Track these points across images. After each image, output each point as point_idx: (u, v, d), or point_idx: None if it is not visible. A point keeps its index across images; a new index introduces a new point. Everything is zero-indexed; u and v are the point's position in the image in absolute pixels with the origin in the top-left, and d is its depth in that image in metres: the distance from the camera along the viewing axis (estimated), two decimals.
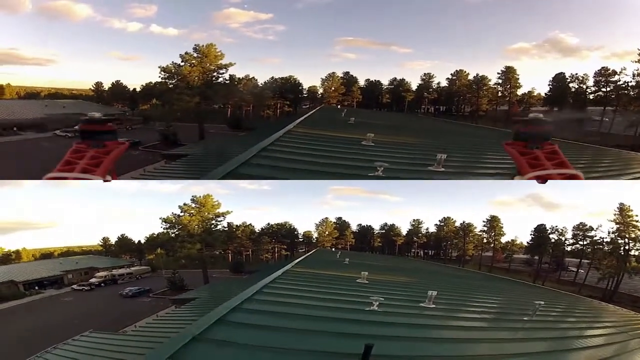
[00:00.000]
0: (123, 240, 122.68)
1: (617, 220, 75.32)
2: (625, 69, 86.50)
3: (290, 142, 18.70)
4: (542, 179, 6.96)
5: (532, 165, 7.13)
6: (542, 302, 20.45)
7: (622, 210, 74.75)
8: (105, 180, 7.33)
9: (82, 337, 30.91)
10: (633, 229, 73.85)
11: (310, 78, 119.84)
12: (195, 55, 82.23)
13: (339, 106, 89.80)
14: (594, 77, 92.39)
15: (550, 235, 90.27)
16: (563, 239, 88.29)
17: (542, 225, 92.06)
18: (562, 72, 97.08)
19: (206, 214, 76.39)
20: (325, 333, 12.19)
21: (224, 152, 46.65)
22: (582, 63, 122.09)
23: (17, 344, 43.44)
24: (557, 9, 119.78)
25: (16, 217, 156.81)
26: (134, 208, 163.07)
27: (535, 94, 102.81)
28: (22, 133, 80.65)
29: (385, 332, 12.92)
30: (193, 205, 75.73)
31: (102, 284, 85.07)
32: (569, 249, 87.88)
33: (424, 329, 14.80)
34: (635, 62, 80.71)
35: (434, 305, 17.09)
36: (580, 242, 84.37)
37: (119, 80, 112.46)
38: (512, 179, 8.50)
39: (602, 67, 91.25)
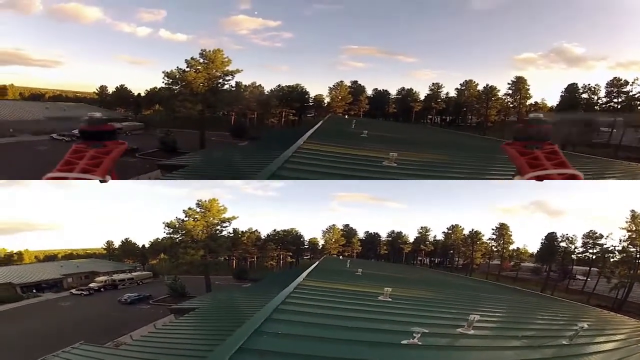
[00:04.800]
0: (127, 245, 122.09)
1: (629, 228, 73.78)
2: (638, 79, 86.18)
3: (303, 162, 16.87)
4: (542, 179, 6.67)
5: (532, 165, 6.82)
6: (586, 325, 18.88)
7: (634, 217, 73.14)
8: (102, 181, 7.00)
9: (72, 349, 29.33)
10: None
11: (315, 86, 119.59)
12: (201, 60, 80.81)
13: (346, 116, 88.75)
14: (606, 87, 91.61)
15: (560, 244, 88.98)
16: (572, 247, 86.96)
17: (552, 233, 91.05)
18: (574, 83, 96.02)
19: (211, 219, 74.96)
20: None
21: (225, 165, 45.55)
22: (588, 73, 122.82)
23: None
24: (562, 19, 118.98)
25: (20, 218, 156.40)
26: (139, 211, 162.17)
27: (542, 104, 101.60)
28: (18, 135, 79.02)
29: None
30: (198, 210, 74.40)
31: (102, 289, 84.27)
32: (578, 257, 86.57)
33: None
34: None
35: (473, 332, 15.20)
36: (591, 251, 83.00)
37: (124, 85, 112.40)
38: (512, 178, 7.41)
39: (614, 78, 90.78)
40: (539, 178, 6.58)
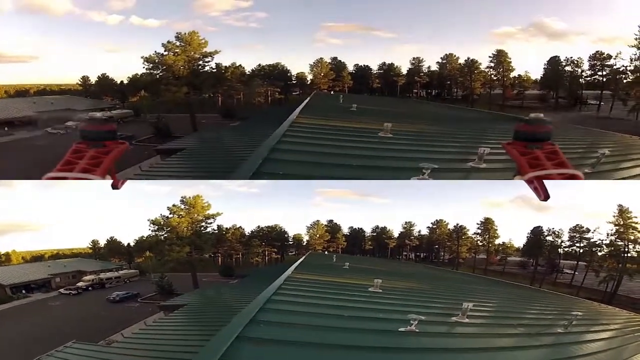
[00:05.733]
0: (112, 243, 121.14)
1: (616, 222, 74.30)
2: (620, 52, 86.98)
3: (300, 136, 16.73)
4: (544, 187, 6.86)
5: (532, 165, 6.95)
6: (580, 313, 19.23)
7: (622, 212, 73.64)
8: (115, 187, 7.54)
9: (65, 347, 29.36)
10: (632, 231, 72.80)
11: (296, 65, 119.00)
12: (178, 43, 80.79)
13: (331, 92, 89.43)
14: (589, 60, 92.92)
15: (547, 237, 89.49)
16: (559, 241, 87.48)
17: (539, 227, 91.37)
18: (557, 56, 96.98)
19: (196, 215, 74.70)
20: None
21: (222, 145, 45.41)
22: (570, 47, 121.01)
23: None
24: None
25: (7, 219, 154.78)
26: (125, 209, 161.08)
27: (527, 77, 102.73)
28: (13, 133, 78.45)
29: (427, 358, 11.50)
30: (182, 206, 74.08)
31: (90, 288, 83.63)
32: (565, 251, 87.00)
33: (468, 352, 13.12)
34: (632, 46, 79.84)
35: (467, 320, 15.17)
36: (577, 244, 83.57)
37: (105, 74, 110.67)
38: (512, 178, 7.58)
39: (597, 51, 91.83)
40: (539, 178, 6.70)
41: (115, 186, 7.60)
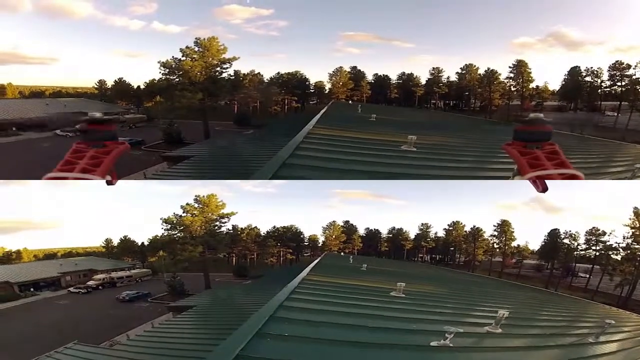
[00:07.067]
0: (126, 242, 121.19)
1: (633, 225, 72.98)
2: None
3: (315, 148, 15.60)
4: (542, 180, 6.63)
5: (532, 165, 6.58)
6: (613, 322, 18.32)
7: (637, 214, 72.29)
8: (110, 183, 7.08)
9: (65, 349, 28.51)
10: None
11: (314, 73, 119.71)
12: (196, 49, 79.74)
13: (349, 101, 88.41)
14: (609, 70, 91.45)
15: (564, 240, 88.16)
16: (575, 244, 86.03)
17: (555, 230, 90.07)
18: (577, 66, 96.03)
19: (210, 214, 73.92)
20: None
21: (232, 153, 44.73)
22: (587, 57, 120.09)
23: None
24: (558, 3, 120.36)
25: (20, 217, 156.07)
26: (139, 208, 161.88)
27: (545, 88, 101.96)
28: (22, 133, 78.33)
29: None
30: (196, 205, 73.30)
31: (100, 287, 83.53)
32: (581, 254, 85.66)
33: None
34: None
35: (500, 331, 13.85)
36: (593, 248, 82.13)
37: (122, 78, 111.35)
38: (512, 178, 7.33)
39: (617, 61, 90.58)
40: (539, 178, 6.45)
41: (110, 182, 7.06)
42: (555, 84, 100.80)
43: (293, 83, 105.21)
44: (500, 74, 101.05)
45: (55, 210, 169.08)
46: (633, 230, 73.00)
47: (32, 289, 78.78)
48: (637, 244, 72.66)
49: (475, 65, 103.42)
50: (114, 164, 7.04)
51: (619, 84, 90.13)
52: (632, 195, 75.36)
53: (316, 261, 41.47)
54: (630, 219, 73.29)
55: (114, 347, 31.54)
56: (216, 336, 23.65)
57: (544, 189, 6.73)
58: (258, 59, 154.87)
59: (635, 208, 72.53)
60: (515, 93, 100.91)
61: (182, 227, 72.41)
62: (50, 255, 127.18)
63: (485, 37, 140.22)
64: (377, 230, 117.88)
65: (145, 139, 73.56)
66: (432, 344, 10.88)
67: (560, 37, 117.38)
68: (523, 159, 6.69)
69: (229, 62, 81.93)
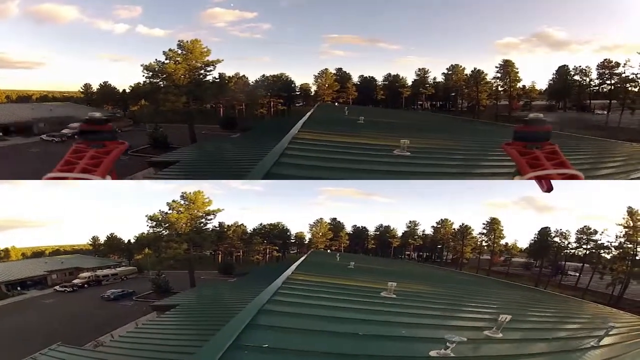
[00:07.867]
0: (112, 240, 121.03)
1: (626, 224, 72.98)
2: (629, 60, 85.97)
3: (300, 155, 14.93)
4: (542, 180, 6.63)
5: (532, 165, 6.57)
6: (615, 325, 18.23)
7: (632, 213, 72.34)
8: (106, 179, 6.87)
9: (49, 350, 28.46)
10: None
11: (300, 76, 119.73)
12: (179, 52, 79.21)
13: (336, 103, 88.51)
14: (597, 69, 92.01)
15: (554, 239, 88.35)
16: (566, 242, 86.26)
17: (546, 228, 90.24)
18: (565, 65, 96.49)
19: (195, 211, 73.44)
20: None
21: (219, 158, 44.53)
22: (573, 56, 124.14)
23: None
24: (542, 3, 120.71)
25: (8, 215, 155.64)
26: (127, 207, 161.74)
27: (532, 88, 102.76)
28: (8, 138, 77.36)
29: None
30: (182, 202, 72.86)
31: (86, 285, 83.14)
32: (571, 252, 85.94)
33: None
34: None
35: (500, 335, 13.22)
36: (584, 246, 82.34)
37: (107, 82, 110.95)
38: (512, 179, 7.03)
39: (605, 59, 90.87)
40: (539, 178, 6.47)
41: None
42: (541, 84, 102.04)
43: (278, 85, 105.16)
44: (487, 74, 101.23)
45: (42, 208, 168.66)
46: (626, 230, 73.09)
47: (19, 288, 78.41)
48: (630, 243, 72.81)
49: (461, 66, 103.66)
50: (114, 164, 6.95)
51: (608, 82, 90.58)
52: (625, 194, 75.85)
53: (302, 259, 41.00)
54: (623, 218, 73.44)
55: (97, 349, 31.23)
56: (199, 337, 23.46)
57: (549, 188, 6.70)
58: (243, 62, 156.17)
59: (630, 207, 72.85)
60: (502, 93, 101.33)
61: (167, 225, 72.06)
62: (38, 254, 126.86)
63: (469, 38, 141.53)
64: (365, 227, 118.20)
65: (131, 143, 72.39)
66: (431, 353, 10.21)
67: (544, 37, 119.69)
68: (523, 159, 6.66)
69: (213, 65, 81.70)
